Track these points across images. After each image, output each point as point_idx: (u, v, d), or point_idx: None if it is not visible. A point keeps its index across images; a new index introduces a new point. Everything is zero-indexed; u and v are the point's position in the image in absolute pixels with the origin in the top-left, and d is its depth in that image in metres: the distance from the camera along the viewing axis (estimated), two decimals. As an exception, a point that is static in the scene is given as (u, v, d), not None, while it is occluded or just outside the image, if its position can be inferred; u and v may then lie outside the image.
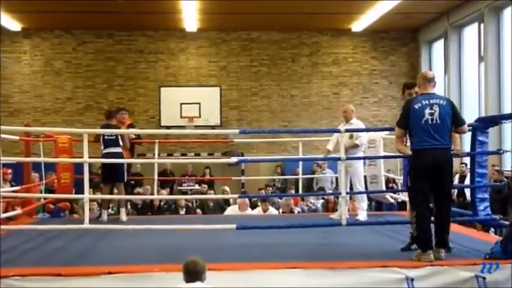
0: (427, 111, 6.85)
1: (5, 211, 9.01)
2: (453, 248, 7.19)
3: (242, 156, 19.47)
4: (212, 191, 17.21)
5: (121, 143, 10.62)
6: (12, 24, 20.31)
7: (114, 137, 10.53)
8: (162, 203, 15.01)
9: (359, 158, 10.40)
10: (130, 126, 11.81)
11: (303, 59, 22.30)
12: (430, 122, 6.84)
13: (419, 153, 6.99)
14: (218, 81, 21.97)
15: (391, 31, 22.19)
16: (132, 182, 17.62)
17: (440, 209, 6.99)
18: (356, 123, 10.61)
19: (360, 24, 21.05)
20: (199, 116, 20.63)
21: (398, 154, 7.86)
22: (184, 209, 14.61)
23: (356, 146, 10.29)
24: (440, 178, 6.88)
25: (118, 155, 10.48)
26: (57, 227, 9.02)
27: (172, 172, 19.43)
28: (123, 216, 10.74)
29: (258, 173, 20.35)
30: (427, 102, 6.92)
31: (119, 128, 10.85)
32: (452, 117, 6.91)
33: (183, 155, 21.11)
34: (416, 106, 6.96)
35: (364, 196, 10.76)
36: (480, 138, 8.31)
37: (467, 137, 8.13)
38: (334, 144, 10.63)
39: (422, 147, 6.93)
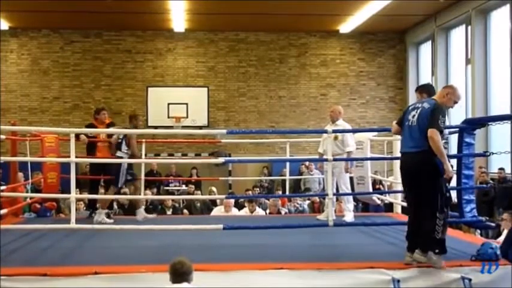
0: (412, 113, 6.85)
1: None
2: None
3: (229, 157, 19.45)
4: (199, 192, 17.17)
5: (125, 148, 10.30)
6: (-1, 23, 20.24)
7: (120, 140, 10.32)
8: (148, 204, 14.96)
9: (346, 160, 10.40)
10: (111, 125, 11.48)
11: (291, 60, 22.33)
12: (410, 124, 6.83)
13: (400, 157, 7.09)
14: (206, 81, 21.96)
15: (378, 33, 22.25)
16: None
17: (415, 213, 6.95)
18: (342, 124, 10.62)
19: (347, 25, 21.10)
20: (187, 117, 20.60)
21: (385, 156, 7.88)
22: (171, 210, 14.57)
23: (350, 153, 10.34)
24: (410, 181, 6.87)
25: (120, 159, 10.18)
26: (43, 226, 8.98)
27: (159, 172, 19.40)
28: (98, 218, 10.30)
29: (245, 174, 20.38)
30: (417, 105, 6.90)
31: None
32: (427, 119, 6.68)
33: (170, 155, 21.09)
34: (409, 107, 7.03)
35: (350, 197, 10.76)
36: (467, 139, 8.33)
37: (454, 138, 8.15)
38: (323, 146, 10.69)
39: (401, 150, 7.02)
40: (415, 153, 6.76)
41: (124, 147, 10.30)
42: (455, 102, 7.13)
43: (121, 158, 10.21)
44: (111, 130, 10.71)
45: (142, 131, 17.91)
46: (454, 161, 8.02)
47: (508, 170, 15.18)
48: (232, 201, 12.75)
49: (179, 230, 8.62)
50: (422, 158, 6.70)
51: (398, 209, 11.67)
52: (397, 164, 11.56)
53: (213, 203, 14.36)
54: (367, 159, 11.04)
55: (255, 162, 21.33)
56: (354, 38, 22.40)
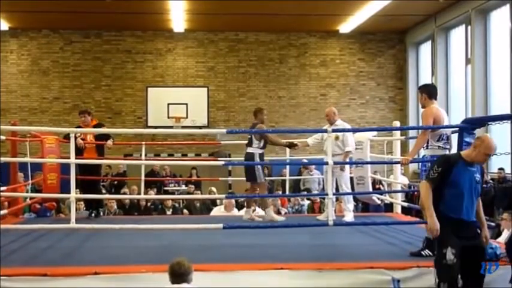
0: None
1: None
2: None
3: (229, 157, 19.43)
4: (199, 192, 17.15)
5: (256, 143, 10.60)
6: (-1, 23, 20.22)
7: (250, 136, 10.66)
8: (149, 204, 14.97)
9: (346, 163, 10.39)
10: (98, 126, 11.40)
11: (291, 60, 22.32)
12: None
13: None
14: (205, 81, 21.95)
15: (378, 33, 22.23)
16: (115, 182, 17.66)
17: None
18: (341, 124, 10.61)
19: (347, 25, 21.09)
20: (187, 117, 20.60)
21: (384, 160, 7.83)
22: (171, 210, 14.57)
23: (348, 153, 10.34)
24: None
25: (251, 155, 10.59)
26: (43, 226, 8.98)
27: (159, 173, 19.39)
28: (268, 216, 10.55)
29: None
30: None
31: None
32: None
33: (170, 155, 21.05)
34: None
35: (350, 197, 10.75)
36: (467, 139, 8.30)
37: (454, 137, 8.13)
38: (315, 140, 10.73)
39: None
40: None
41: (255, 143, 10.57)
42: (487, 155, 6.04)
43: (252, 154, 10.57)
44: (111, 130, 10.71)
45: (143, 131, 17.95)
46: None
47: (507, 170, 15.17)
48: (233, 201, 12.76)
49: (179, 230, 8.63)
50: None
51: (398, 209, 11.67)
52: (397, 164, 11.64)
53: (213, 203, 14.37)
54: (367, 163, 11.04)
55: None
56: (353, 38, 22.39)
